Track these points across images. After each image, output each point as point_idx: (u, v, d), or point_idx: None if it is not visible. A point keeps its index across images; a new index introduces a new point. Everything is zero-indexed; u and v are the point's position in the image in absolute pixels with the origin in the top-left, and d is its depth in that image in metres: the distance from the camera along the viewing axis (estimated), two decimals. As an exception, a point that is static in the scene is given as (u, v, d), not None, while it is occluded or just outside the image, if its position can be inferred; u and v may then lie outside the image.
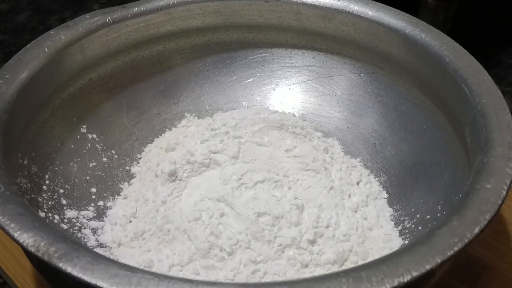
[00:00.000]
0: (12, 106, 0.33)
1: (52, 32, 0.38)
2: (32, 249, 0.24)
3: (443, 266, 0.24)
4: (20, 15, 0.67)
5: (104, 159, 0.40)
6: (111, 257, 0.34)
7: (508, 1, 0.70)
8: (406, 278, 0.23)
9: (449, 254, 0.24)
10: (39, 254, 0.23)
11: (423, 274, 0.23)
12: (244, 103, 0.46)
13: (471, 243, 0.24)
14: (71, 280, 0.23)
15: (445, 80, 0.36)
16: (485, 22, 0.68)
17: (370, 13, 0.41)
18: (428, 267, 0.23)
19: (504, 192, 0.26)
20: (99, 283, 0.22)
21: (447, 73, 0.36)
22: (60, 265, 0.23)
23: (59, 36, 0.38)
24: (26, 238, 0.24)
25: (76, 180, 0.38)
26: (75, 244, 0.24)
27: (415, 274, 0.23)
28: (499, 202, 0.26)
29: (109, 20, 0.40)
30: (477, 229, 0.25)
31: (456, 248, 0.24)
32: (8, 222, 0.25)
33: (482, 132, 0.30)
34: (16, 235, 0.24)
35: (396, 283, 0.23)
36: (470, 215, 0.25)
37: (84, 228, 0.35)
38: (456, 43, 0.37)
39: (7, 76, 0.34)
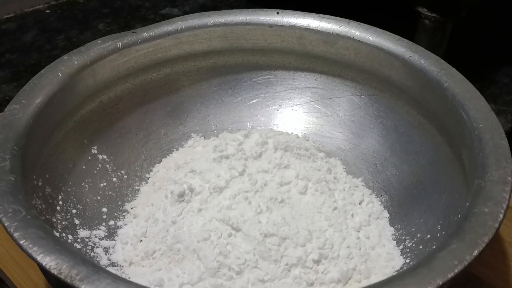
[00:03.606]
0: (28, 130, 0.34)
1: (65, 57, 0.40)
2: (55, 272, 0.25)
3: (443, 287, 0.25)
4: (27, 34, 0.69)
5: (114, 179, 0.42)
6: (123, 275, 0.35)
7: (503, 22, 0.72)
8: (409, 299, 0.24)
9: (449, 276, 0.25)
10: (62, 276, 0.25)
11: (425, 295, 0.24)
12: (248, 123, 0.47)
13: (470, 265, 0.26)
14: (91, 301, 0.24)
15: (443, 105, 0.38)
16: (481, 42, 0.70)
17: (371, 39, 0.42)
18: (429, 288, 0.25)
19: (501, 216, 0.28)
20: (119, 305, 0.24)
21: (445, 98, 0.37)
22: (82, 287, 0.24)
23: (72, 61, 0.39)
24: (49, 261, 0.25)
25: (88, 200, 0.39)
26: (95, 267, 0.25)
27: (417, 295, 0.24)
28: (496, 225, 0.27)
29: (119, 45, 0.42)
30: (476, 251, 0.26)
31: (456, 270, 0.25)
32: (30, 245, 0.26)
33: (479, 156, 0.32)
34: (39, 258, 0.26)
35: (400, 303, 0.24)
36: (469, 238, 0.27)
37: (96, 248, 0.37)
38: (454, 69, 0.39)
39: (23, 102, 0.36)
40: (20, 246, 0.26)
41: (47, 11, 0.75)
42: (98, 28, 0.71)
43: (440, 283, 0.25)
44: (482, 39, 0.70)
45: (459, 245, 0.26)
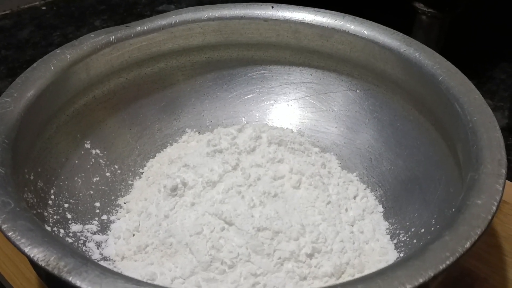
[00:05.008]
0: (20, 123, 0.34)
1: (58, 51, 0.39)
2: (42, 264, 0.25)
3: (436, 279, 0.25)
4: (23, 31, 0.69)
5: (108, 174, 0.41)
6: (115, 270, 0.35)
7: (501, 18, 0.72)
8: (401, 291, 0.24)
9: (441, 268, 0.25)
10: (49, 268, 0.24)
11: (416, 287, 0.24)
12: (243, 118, 0.47)
13: (463, 257, 0.25)
14: (80, 293, 0.24)
15: (438, 98, 0.37)
16: (479, 39, 0.69)
17: (366, 33, 0.42)
18: (421, 280, 0.24)
19: (494, 208, 0.28)
20: (107, 296, 0.23)
21: (440, 91, 0.37)
22: (70, 279, 0.24)
23: (64, 55, 0.39)
24: (37, 253, 0.25)
25: (81, 194, 0.39)
26: (83, 259, 0.25)
27: (409, 287, 0.24)
28: (489, 217, 0.27)
29: (113, 39, 0.41)
30: (468, 243, 0.26)
31: (448, 262, 0.25)
32: (19, 237, 0.26)
33: (473, 149, 0.32)
34: (26, 250, 0.25)
35: (391, 295, 0.24)
36: (461, 230, 0.27)
37: (88, 242, 0.36)
38: (449, 63, 0.38)
39: (15, 95, 0.35)
40: (8, 238, 0.26)
41: (43, 7, 0.75)
42: (95, 25, 0.71)
43: (432, 274, 0.24)
44: (480, 35, 0.70)
45: (452, 237, 0.26)
